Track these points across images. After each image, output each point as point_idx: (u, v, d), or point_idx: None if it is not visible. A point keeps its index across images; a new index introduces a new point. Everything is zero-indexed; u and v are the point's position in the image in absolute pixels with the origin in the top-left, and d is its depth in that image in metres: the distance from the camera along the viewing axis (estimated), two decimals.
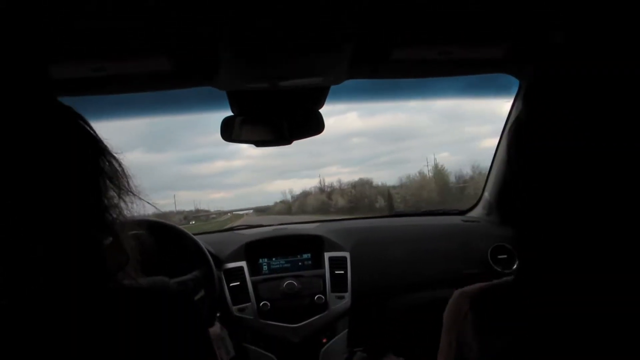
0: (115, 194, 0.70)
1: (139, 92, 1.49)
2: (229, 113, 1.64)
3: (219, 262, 1.94)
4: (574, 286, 0.56)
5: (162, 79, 1.39)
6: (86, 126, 0.69)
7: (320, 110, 1.65)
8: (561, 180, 0.59)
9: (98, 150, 0.68)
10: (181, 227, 1.85)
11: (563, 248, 0.60)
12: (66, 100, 0.71)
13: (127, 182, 0.72)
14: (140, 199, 0.76)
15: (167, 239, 1.68)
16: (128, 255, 0.71)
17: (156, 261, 1.64)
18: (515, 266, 2.08)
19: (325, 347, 1.88)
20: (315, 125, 1.60)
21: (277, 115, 1.58)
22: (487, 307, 0.65)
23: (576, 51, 0.62)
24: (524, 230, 0.70)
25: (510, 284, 0.65)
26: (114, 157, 0.70)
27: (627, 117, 0.55)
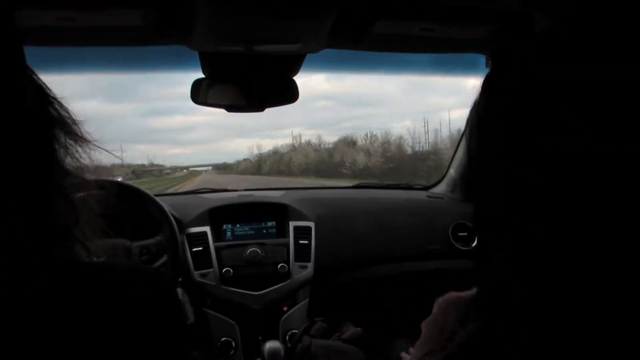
0: (66, 143, 0.65)
1: (107, 46, 1.41)
2: (200, 74, 1.58)
3: (182, 226, 1.90)
4: (560, 291, 0.56)
5: (133, 35, 1.32)
6: (28, 72, 0.63)
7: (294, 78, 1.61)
8: (524, 167, 0.59)
9: (43, 97, 0.63)
10: (137, 185, 1.79)
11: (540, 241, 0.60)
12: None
13: (79, 129, 0.67)
14: (95, 146, 0.71)
15: (130, 201, 1.63)
16: (77, 215, 0.66)
17: (117, 224, 1.61)
18: (474, 244, 2.13)
19: (286, 315, 1.89)
20: (289, 93, 1.56)
21: (250, 81, 1.53)
22: (477, 322, 0.64)
23: (556, 38, 0.61)
24: (484, 210, 0.69)
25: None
26: (60, 104, 0.65)
27: (600, 105, 0.54)
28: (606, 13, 0.59)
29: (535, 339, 0.53)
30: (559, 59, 0.58)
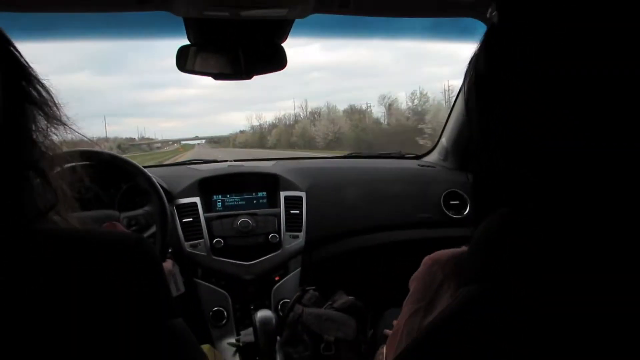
0: (44, 125, 0.63)
1: (85, 12, 1.36)
2: (186, 41, 1.54)
3: (171, 197, 1.89)
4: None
5: (112, 0, 1.28)
6: (10, 47, 0.61)
7: (283, 45, 1.57)
8: (523, 140, 0.57)
9: (23, 75, 0.61)
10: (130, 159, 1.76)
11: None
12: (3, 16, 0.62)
13: (58, 111, 0.65)
14: (72, 129, 0.70)
15: (118, 172, 1.60)
16: (56, 195, 0.65)
17: (105, 194, 1.59)
18: (466, 212, 2.13)
19: (278, 284, 1.89)
20: (277, 61, 1.52)
21: (237, 48, 1.50)
22: (463, 274, 0.63)
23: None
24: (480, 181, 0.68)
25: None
26: (42, 84, 0.63)
27: (608, 100, 0.52)
28: None
29: (533, 338, 0.52)
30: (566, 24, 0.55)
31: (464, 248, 0.72)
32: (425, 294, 0.73)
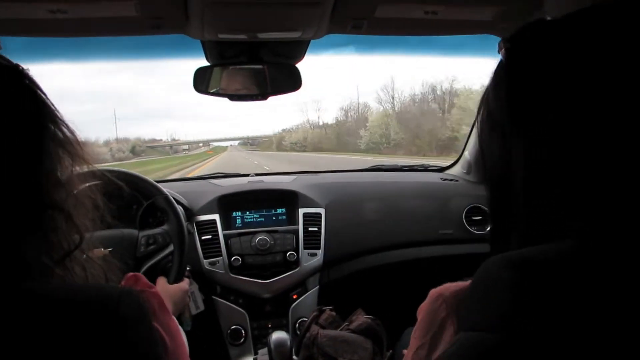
0: (69, 164, 0.65)
1: (105, 36, 1.39)
2: (204, 62, 1.55)
3: (192, 214, 1.90)
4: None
5: (130, 25, 1.30)
6: (36, 89, 0.62)
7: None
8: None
9: (50, 117, 0.62)
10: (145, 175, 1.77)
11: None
12: (25, 41, 0.64)
13: (82, 150, 0.66)
14: (95, 168, 0.72)
15: (137, 191, 1.62)
16: (82, 234, 0.66)
17: (125, 213, 1.60)
18: (489, 228, 2.08)
19: (295, 303, 1.88)
20: (293, 81, 1.53)
21: (253, 70, 1.51)
22: (467, 312, 0.62)
23: (572, 20, 0.58)
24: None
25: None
26: (67, 125, 0.65)
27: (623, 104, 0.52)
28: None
29: None
30: (578, 52, 0.54)
31: (469, 281, 0.71)
32: (428, 329, 0.72)
